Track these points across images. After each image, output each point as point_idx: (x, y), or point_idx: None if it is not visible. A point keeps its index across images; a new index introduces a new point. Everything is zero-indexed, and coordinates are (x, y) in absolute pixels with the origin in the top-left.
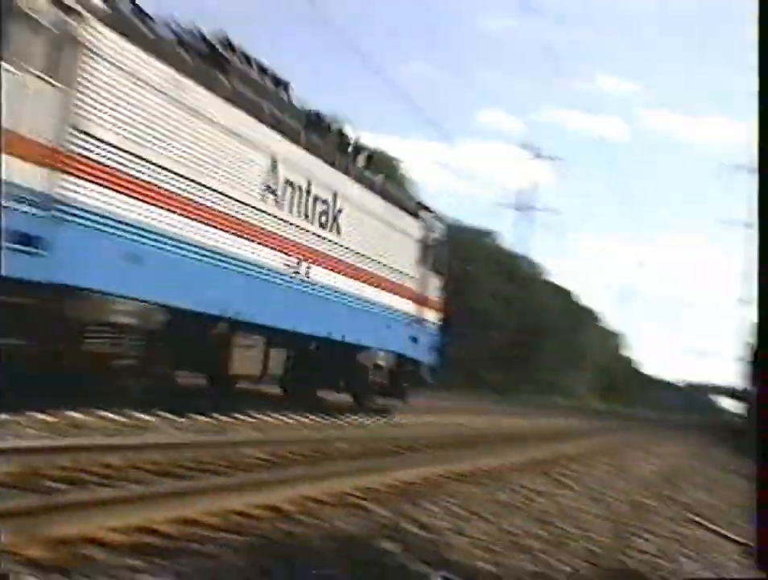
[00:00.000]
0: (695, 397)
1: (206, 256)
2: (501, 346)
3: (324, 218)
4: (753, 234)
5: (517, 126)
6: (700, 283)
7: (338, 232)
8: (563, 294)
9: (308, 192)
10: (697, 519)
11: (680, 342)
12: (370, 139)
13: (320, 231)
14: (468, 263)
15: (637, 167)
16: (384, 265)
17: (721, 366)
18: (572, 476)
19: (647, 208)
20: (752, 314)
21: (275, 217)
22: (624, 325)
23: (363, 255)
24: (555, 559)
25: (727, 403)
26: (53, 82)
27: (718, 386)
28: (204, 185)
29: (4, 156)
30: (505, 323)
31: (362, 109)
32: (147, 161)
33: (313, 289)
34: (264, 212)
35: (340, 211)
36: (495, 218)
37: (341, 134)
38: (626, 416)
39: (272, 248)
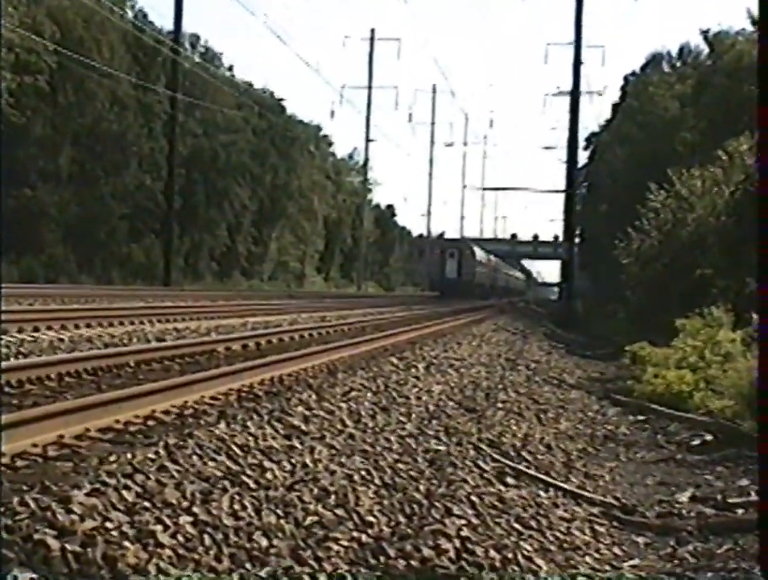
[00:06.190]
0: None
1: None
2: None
3: None
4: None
5: None
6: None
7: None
8: (272, 110)
9: None
10: (522, 468)
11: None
12: None
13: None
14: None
15: None
16: None
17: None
18: (322, 413)
19: None
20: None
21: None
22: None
23: None
24: None
25: (547, 269)
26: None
27: (541, 242)
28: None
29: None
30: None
31: None
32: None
33: None
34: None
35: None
36: None
37: None
38: (391, 302)
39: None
